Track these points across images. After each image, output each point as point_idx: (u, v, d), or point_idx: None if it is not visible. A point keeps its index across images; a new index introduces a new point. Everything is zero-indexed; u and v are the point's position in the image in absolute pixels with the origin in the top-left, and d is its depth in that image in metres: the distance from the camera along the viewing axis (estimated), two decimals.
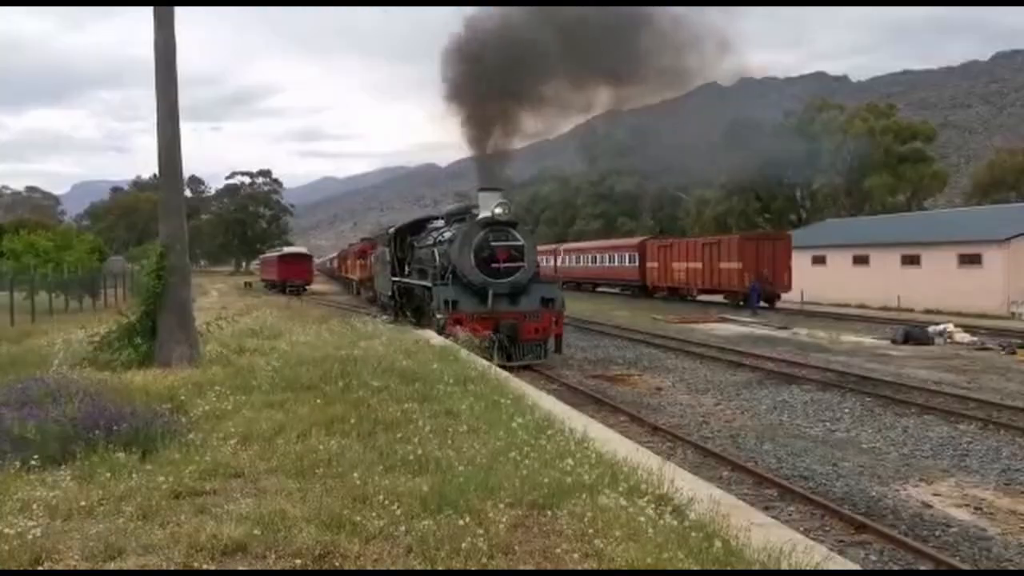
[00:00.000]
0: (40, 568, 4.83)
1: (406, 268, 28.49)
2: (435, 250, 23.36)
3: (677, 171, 71.46)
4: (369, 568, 4.79)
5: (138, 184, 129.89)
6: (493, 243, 20.83)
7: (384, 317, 31.41)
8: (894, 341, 25.87)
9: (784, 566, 4.58)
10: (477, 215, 21.91)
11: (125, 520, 5.55)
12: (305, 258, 69.51)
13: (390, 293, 30.65)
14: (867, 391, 16.50)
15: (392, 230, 31.16)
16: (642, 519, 5.22)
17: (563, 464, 6.52)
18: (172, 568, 4.82)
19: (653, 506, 5.52)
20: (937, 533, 8.56)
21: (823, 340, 26.55)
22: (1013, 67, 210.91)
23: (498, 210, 20.93)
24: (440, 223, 26.08)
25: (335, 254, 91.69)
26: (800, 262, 44.69)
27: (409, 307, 27.56)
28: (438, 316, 20.32)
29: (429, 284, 22.25)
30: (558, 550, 4.93)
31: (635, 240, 56.75)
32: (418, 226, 29.07)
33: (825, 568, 4.75)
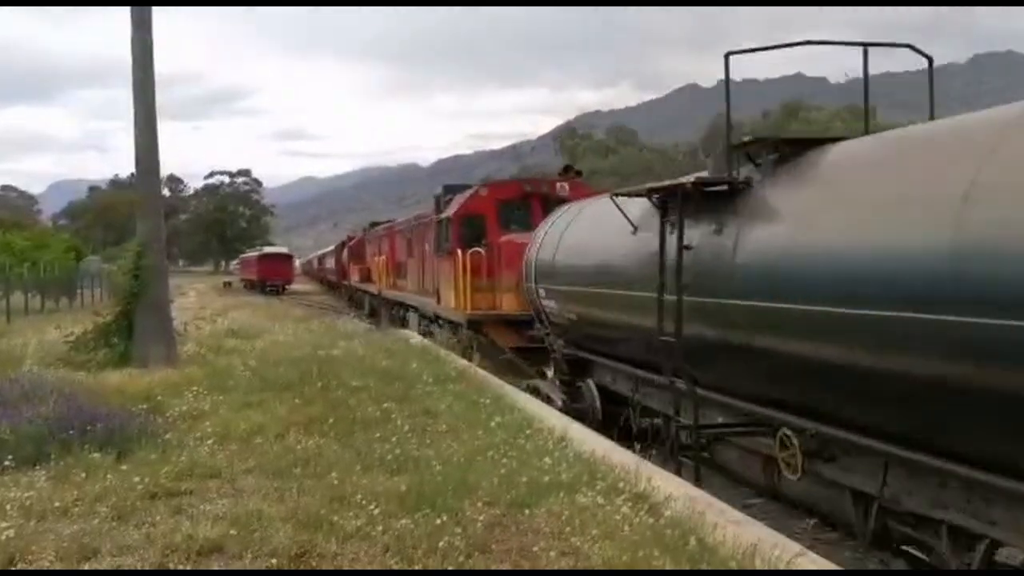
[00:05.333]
0: (14, 568, 4.80)
1: None
2: None
3: (657, 172, 71.73)
4: (346, 568, 4.78)
5: (116, 183, 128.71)
6: None
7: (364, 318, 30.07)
8: None
9: (758, 562, 4.61)
10: None
11: (100, 521, 5.51)
12: (286, 258, 69.27)
13: None
14: None
15: None
16: (618, 517, 5.25)
17: (541, 463, 6.54)
18: (148, 568, 4.80)
19: (630, 504, 5.55)
20: None
21: None
22: (991, 70, 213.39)
23: None
24: None
25: (328, 249, 64.90)
26: None
27: None
28: None
29: None
30: (535, 548, 4.94)
31: None
32: None
33: (808, 568, 4.73)
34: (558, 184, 16.77)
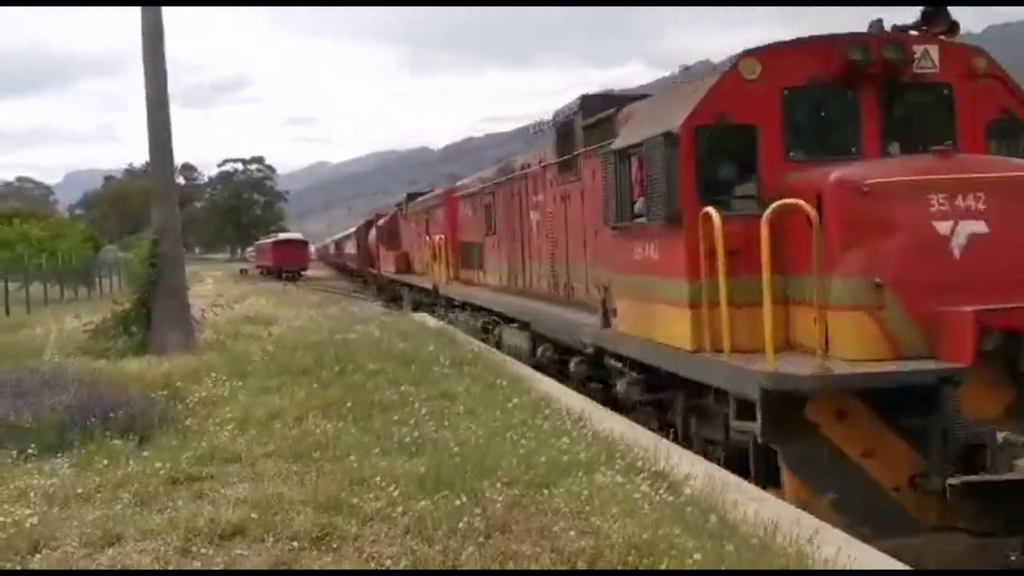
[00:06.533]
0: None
1: None
2: None
3: None
4: (367, 548, 4.79)
5: (131, 173, 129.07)
6: None
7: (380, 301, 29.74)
8: None
9: (779, 538, 4.60)
10: None
11: (123, 506, 5.57)
12: (301, 244, 69.57)
13: None
14: None
15: None
16: (637, 496, 5.24)
17: (559, 443, 6.54)
18: (172, 551, 4.84)
19: (649, 483, 5.54)
20: None
21: None
22: (1005, 40, 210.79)
23: None
24: None
25: (347, 232, 57.97)
26: None
27: None
28: None
29: None
30: (555, 528, 4.93)
31: None
32: None
33: (836, 568, 4.60)
34: (915, 49, 7.38)
